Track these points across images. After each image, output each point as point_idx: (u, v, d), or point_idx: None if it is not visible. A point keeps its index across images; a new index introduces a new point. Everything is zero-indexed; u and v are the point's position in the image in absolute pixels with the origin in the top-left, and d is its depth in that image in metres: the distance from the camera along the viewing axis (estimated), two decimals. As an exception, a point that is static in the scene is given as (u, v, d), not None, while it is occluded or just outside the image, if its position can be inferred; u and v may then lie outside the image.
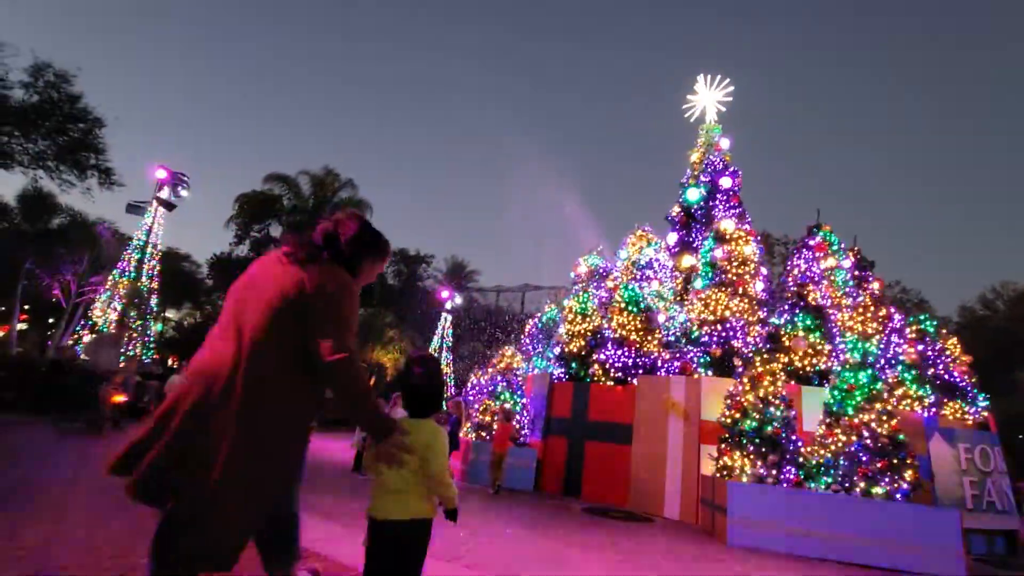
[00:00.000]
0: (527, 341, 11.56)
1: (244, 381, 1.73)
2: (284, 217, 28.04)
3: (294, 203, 27.83)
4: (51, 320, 25.98)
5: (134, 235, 16.11)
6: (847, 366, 6.62)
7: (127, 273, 15.12)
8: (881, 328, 8.27)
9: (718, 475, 6.37)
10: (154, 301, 15.67)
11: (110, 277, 15.32)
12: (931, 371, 7.97)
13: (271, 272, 1.95)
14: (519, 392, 9.22)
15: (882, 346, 8.08)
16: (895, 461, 5.88)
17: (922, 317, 8.53)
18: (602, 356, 9.05)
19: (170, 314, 31.24)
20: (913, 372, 7.72)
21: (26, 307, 25.67)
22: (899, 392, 7.52)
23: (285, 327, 1.80)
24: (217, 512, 1.66)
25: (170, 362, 22.81)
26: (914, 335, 8.32)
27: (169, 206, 16.23)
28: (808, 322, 8.13)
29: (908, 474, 5.83)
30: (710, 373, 8.12)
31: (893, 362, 7.92)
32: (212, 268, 30.47)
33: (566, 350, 9.68)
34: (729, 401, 6.69)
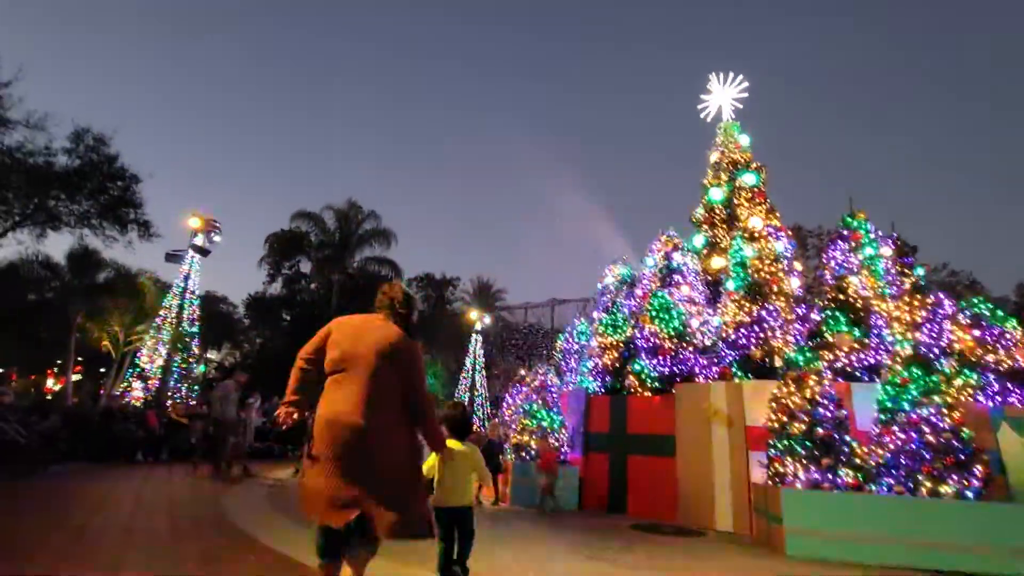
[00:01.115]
0: (559, 356, 11.42)
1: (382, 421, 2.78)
2: (312, 253, 28.84)
3: (321, 238, 28.61)
4: (102, 370, 27.14)
5: (174, 282, 16.77)
6: (897, 359, 6.28)
7: (169, 319, 15.71)
8: (931, 316, 7.83)
9: (770, 483, 6.09)
10: (195, 345, 16.17)
11: (153, 325, 15.94)
12: (992, 357, 7.49)
13: (378, 334, 2.93)
14: (556, 409, 9.08)
15: (934, 335, 7.65)
16: (962, 457, 5.51)
17: (975, 300, 8.06)
18: (636, 367, 8.85)
19: (211, 355, 32.26)
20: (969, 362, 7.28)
21: (79, 359, 26.95)
22: (958, 383, 7.08)
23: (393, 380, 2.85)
24: (415, 500, 2.80)
25: (215, 402, 23.55)
26: (968, 321, 7.86)
27: (204, 252, 16.86)
28: (850, 315, 7.79)
29: (978, 469, 5.44)
30: (750, 376, 7.83)
31: (948, 351, 7.48)
32: (248, 308, 31.46)
33: (600, 363, 9.52)
34: (774, 404, 6.41)
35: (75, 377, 26.48)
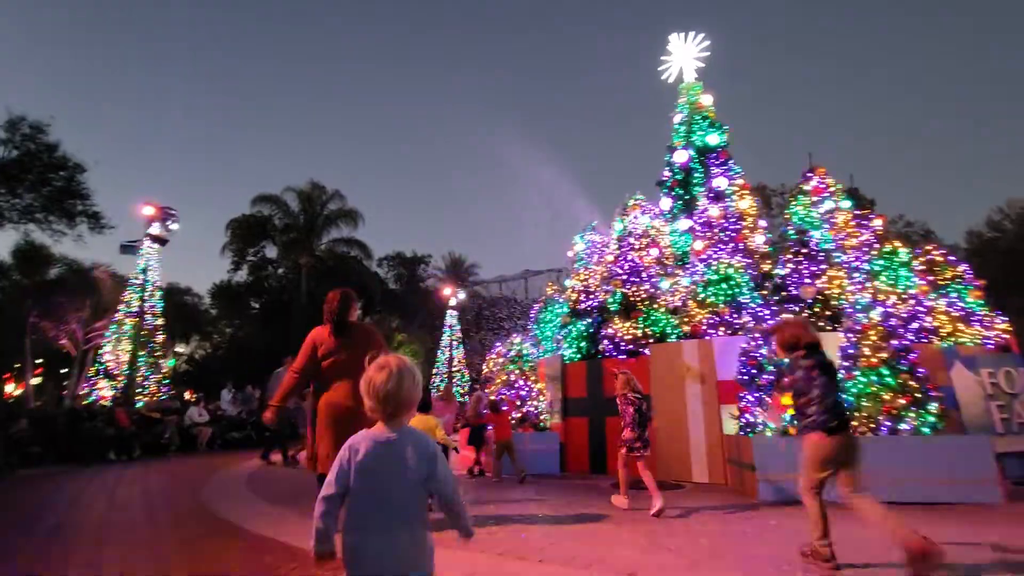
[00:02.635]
0: (534, 327, 11.49)
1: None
2: (277, 237, 28.05)
3: (286, 222, 27.80)
4: (64, 370, 26.14)
5: (131, 274, 16.09)
6: (858, 306, 6.52)
7: (129, 313, 15.10)
8: (889, 264, 8.13)
9: (741, 433, 6.32)
10: (160, 338, 15.62)
11: (113, 320, 15.31)
12: (944, 301, 7.86)
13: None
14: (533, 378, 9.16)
15: (891, 282, 7.96)
16: (918, 396, 5.80)
17: (928, 248, 8.40)
18: (610, 331, 8.98)
19: (180, 348, 31.35)
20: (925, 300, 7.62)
21: (38, 361, 25.84)
22: (914, 326, 7.41)
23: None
24: None
25: (187, 396, 22.91)
26: (923, 267, 8.20)
27: (162, 241, 16.15)
28: (813, 268, 8.02)
29: (933, 407, 5.75)
30: (721, 332, 8.04)
31: (905, 297, 7.80)
32: (214, 297, 30.57)
33: (573, 330, 9.61)
34: (744, 358, 6.61)
35: (35, 380, 25.42)
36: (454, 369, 22.19)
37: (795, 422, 5.94)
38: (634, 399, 5.51)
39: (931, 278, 8.20)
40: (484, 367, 10.40)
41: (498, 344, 10.31)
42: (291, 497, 5.87)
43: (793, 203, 9.55)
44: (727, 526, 4.69)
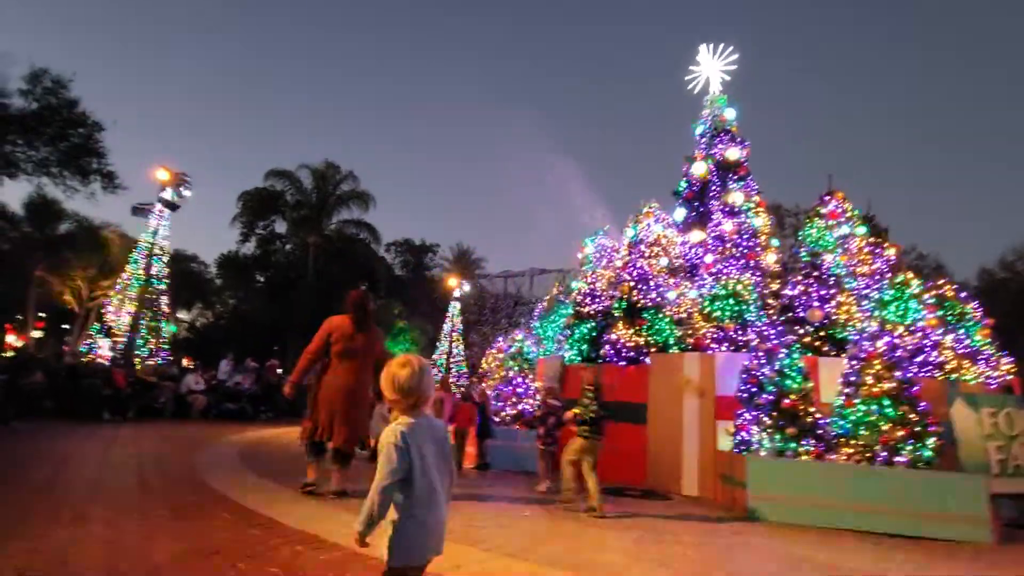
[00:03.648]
0: (537, 325, 11.48)
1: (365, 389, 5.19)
2: (288, 213, 28.07)
3: (297, 198, 27.81)
4: (65, 326, 26.30)
5: (140, 237, 16.13)
6: (865, 334, 6.47)
7: (136, 276, 15.16)
8: (899, 295, 8.07)
9: (735, 450, 6.30)
10: (164, 302, 15.68)
11: (119, 280, 15.37)
12: (951, 336, 7.79)
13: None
14: (531, 376, 9.16)
15: (900, 313, 7.89)
16: (917, 429, 5.76)
17: (940, 282, 8.33)
18: (613, 336, 8.95)
19: (182, 315, 31.50)
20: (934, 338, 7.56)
21: (41, 314, 26.01)
22: (919, 359, 7.36)
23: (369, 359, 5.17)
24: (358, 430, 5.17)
25: (184, 363, 23.00)
26: (933, 300, 8.13)
27: (173, 207, 16.14)
28: (823, 292, 7.97)
29: (931, 441, 5.71)
30: (724, 348, 8.00)
31: (912, 329, 7.74)
32: (220, 267, 30.65)
33: (577, 332, 9.59)
34: (745, 375, 6.58)
35: (37, 333, 25.59)
36: (453, 361, 22.19)
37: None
38: (553, 406, 6.62)
39: (940, 313, 8.12)
40: (483, 361, 10.40)
41: (499, 339, 10.31)
42: (281, 472, 5.89)
43: (808, 225, 9.48)
44: (717, 539, 4.68)
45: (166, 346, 15.57)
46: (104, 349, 14.05)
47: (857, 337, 6.64)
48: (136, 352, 14.38)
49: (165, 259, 15.86)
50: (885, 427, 5.78)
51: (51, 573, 2.76)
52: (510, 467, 8.08)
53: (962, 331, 7.77)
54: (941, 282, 8.45)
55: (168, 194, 15.79)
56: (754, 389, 6.39)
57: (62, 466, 5.62)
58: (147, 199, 16.58)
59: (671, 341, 8.66)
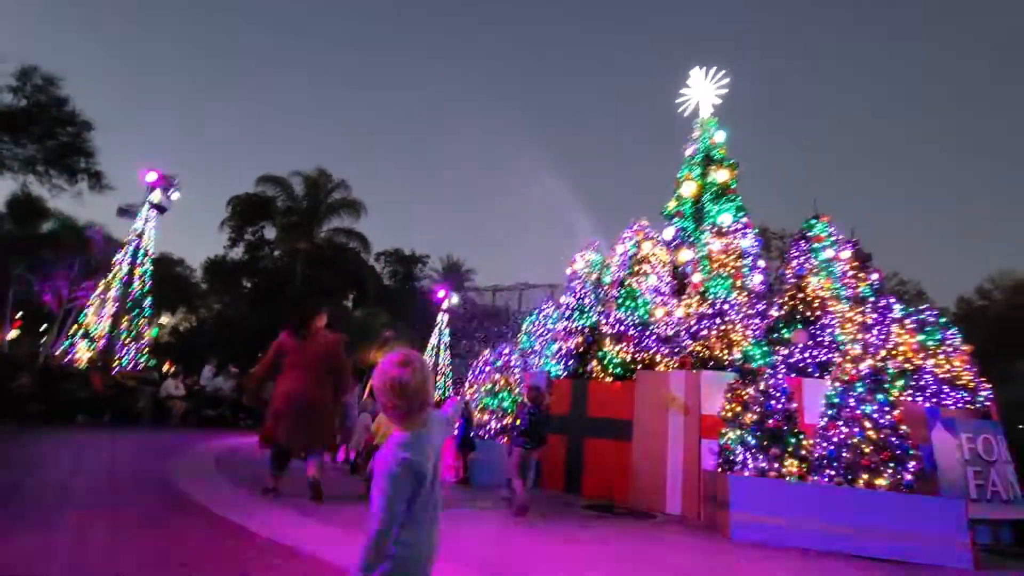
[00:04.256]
0: (525, 339, 11.45)
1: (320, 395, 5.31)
2: (278, 219, 27.89)
3: (288, 204, 27.67)
4: (43, 327, 25.71)
5: (126, 239, 15.90)
6: (848, 357, 6.54)
7: (118, 278, 14.90)
8: (880, 319, 8.20)
9: (719, 470, 6.29)
10: (147, 304, 15.43)
11: (101, 282, 15.10)
12: (932, 361, 7.91)
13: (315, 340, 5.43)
14: (519, 390, 9.11)
15: (881, 337, 8.01)
16: (898, 452, 5.81)
17: (921, 307, 8.48)
18: (600, 352, 8.96)
19: (164, 319, 30.97)
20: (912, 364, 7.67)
21: (19, 314, 25.39)
22: (900, 383, 7.45)
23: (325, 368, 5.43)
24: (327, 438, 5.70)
25: (166, 367, 22.55)
26: (914, 326, 8.26)
27: (161, 209, 15.98)
28: (807, 314, 8.07)
29: (911, 465, 5.75)
30: (709, 367, 8.04)
31: (894, 353, 7.85)
32: (207, 272, 30.26)
33: (564, 347, 9.59)
34: (730, 395, 6.61)
35: (12, 333, 24.96)
36: (438, 372, 22.03)
37: None
38: (527, 407, 6.58)
39: (921, 338, 8.26)
40: (469, 374, 10.33)
41: (486, 352, 10.26)
42: (256, 479, 5.76)
43: (794, 248, 9.62)
44: (697, 561, 4.64)
45: (146, 350, 15.28)
46: (83, 352, 13.76)
47: (840, 359, 6.71)
48: (116, 356, 14.10)
49: (148, 263, 15.63)
50: (867, 449, 5.82)
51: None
52: (494, 482, 8.00)
53: (942, 356, 7.89)
54: (922, 308, 8.60)
55: (156, 196, 15.63)
56: (739, 408, 6.42)
57: (30, 471, 5.45)
58: (134, 200, 16.41)
59: (658, 359, 8.68)
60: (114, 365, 13.76)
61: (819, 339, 8.01)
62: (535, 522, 5.62)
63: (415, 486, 1.50)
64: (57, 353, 14.76)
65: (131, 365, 14.36)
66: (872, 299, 8.66)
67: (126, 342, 14.72)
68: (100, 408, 10.70)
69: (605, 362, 8.94)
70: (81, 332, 14.17)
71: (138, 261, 15.21)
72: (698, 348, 8.24)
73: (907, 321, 8.25)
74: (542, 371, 9.71)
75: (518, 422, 6.44)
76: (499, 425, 8.69)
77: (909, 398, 7.36)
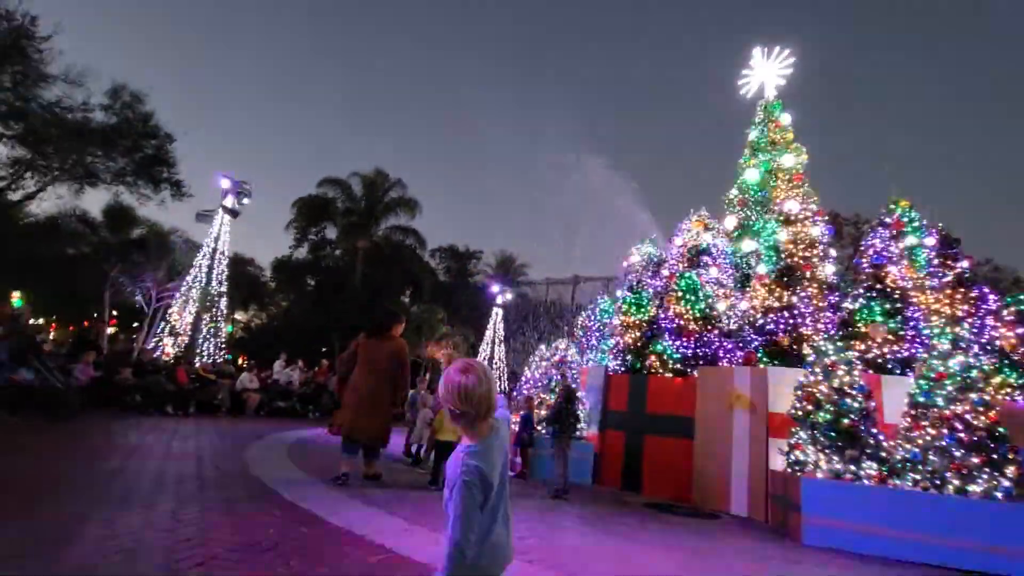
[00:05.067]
0: (581, 333, 11.36)
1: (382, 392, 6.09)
2: (338, 219, 29.06)
3: (347, 205, 28.77)
4: (135, 324, 28.09)
5: (204, 242, 17.10)
6: (935, 352, 6.04)
7: (199, 279, 16.07)
8: (973, 310, 7.51)
9: (789, 470, 6.00)
10: (223, 304, 16.54)
11: (184, 283, 16.32)
12: (1034, 356, 7.17)
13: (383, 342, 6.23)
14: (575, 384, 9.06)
15: (975, 330, 7.34)
16: (994, 456, 5.32)
17: (1021, 296, 7.69)
18: (659, 347, 8.75)
19: (238, 316, 33.08)
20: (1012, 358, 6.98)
21: (114, 313, 27.90)
22: (996, 380, 6.81)
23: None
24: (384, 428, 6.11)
25: (240, 361, 24.13)
26: (1012, 317, 7.51)
27: (234, 213, 17.06)
28: (887, 306, 7.51)
29: (1010, 470, 5.25)
30: (776, 363, 7.67)
31: (989, 348, 7.18)
32: (275, 271, 32.03)
33: (621, 342, 9.43)
34: (800, 392, 6.27)
35: (110, 330, 27.45)
36: (494, 367, 22.29)
37: None
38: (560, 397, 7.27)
39: (1020, 330, 7.50)
40: (526, 369, 10.38)
41: (541, 347, 10.26)
42: (327, 469, 6.05)
43: (870, 234, 8.97)
44: (769, 567, 4.46)
45: (223, 345, 16.40)
46: (169, 347, 14.95)
47: (926, 355, 6.20)
48: (197, 350, 15.23)
49: (224, 263, 16.72)
50: (958, 453, 5.37)
51: (125, 554, 2.92)
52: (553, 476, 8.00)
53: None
54: (1021, 297, 7.80)
55: (229, 202, 16.69)
56: (810, 407, 6.08)
57: (130, 456, 5.98)
58: (210, 205, 17.59)
59: (721, 354, 8.37)
60: (195, 360, 14.86)
61: (901, 333, 7.45)
62: (595, 520, 5.59)
63: (486, 492, 1.54)
64: (147, 348, 16.14)
65: (210, 359, 15.48)
66: (963, 288, 7.95)
67: (206, 338, 15.88)
68: (186, 400, 11.58)
69: (664, 357, 8.72)
70: (168, 329, 15.40)
71: (215, 263, 16.33)
72: (764, 343, 7.87)
73: (1004, 312, 7.52)
74: (600, 366, 9.61)
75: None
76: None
77: (1008, 398, 6.72)
